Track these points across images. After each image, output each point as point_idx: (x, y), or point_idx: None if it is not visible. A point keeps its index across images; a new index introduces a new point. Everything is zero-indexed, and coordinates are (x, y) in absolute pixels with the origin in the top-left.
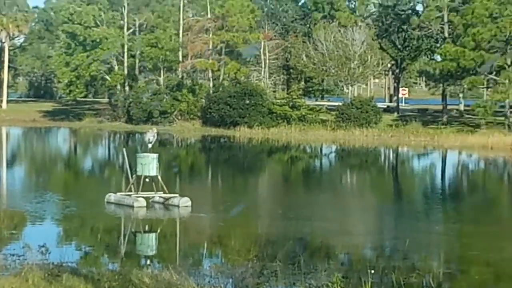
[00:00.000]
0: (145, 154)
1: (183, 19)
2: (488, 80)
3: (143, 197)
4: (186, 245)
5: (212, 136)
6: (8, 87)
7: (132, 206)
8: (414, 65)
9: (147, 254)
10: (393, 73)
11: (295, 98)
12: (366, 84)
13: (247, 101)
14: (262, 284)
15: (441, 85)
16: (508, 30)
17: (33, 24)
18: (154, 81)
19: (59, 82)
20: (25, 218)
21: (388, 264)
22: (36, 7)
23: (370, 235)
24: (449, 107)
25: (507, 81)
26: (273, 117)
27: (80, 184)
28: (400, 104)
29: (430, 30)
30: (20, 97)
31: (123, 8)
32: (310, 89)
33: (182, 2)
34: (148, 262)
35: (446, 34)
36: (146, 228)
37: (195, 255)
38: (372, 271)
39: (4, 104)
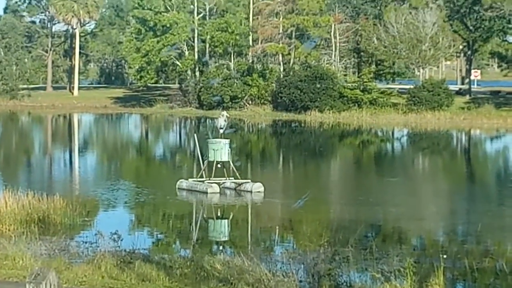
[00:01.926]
0: (216, 139)
1: (253, 3)
2: None
3: (216, 183)
4: (258, 230)
5: (283, 121)
6: (79, 73)
7: (205, 192)
8: (486, 46)
9: (219, 240)
10: (464, 55)
11: (366, 82)
12: (438, 67)
13: (318, 85)
14: (334, 269)
15: None
16: None
17: (103, 10)
18: (225, 66)
19: (129, 68)
20: (97, 205)
21: (460, 248)
22: None
23: (442, 220)
24: None
25: None
26: (344, 101)
27: (151, 170)
28: (472, 86)
29: (502, 11)
30: (91, 84)
31: None
32: (381, 72)
33: None
34: (220, 248)
35: None
36: (218, 214)
37: (266, 241)
38: (445, 256)
39: (75, 91)
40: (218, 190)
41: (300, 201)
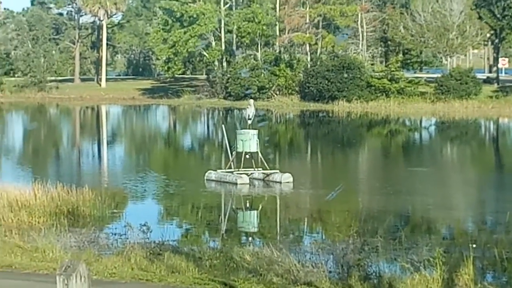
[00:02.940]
0: (245, 130)
1: None
2: None
3: (245, 173)
4: (287, 221)
5: (311, 111)
6: (107, 65)
7: (235, 183)
8: None
9: (248, 231)
10: (492, 43)
11: (393, 71)
12: (465, 55)
13: (345, 75)
14: (363, 260)
15: None
16: None
17: (130, 1)
18: (252, 56)
19: (157, 59)
20: (126, 197)
21: (490, 238)
22: None
23: (471, 209)
24: None
25: None
26: (372, 90)
27: (179, 161)
28: (500, 74)
29: None
30: (119, 75)
31: None
32: (409, 61)
33: None
34: (249, 239)
35: None
36: (247, 205)
37: (295, 232)
38: (474, 245)
39: (103, 83)
40: (248, 181)
41: (333, 193)
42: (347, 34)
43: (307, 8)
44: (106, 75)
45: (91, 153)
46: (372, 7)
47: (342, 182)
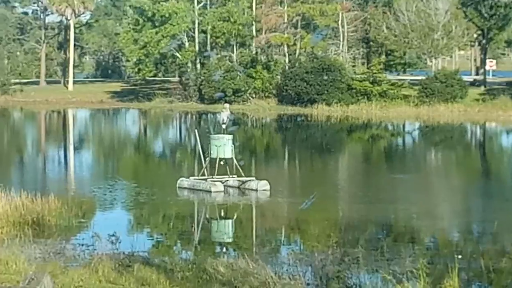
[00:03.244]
0: (219, 135)
1: None
2: None
3: (219, 181)
4: (263, 231)
5: (289, 115)
6: (74, 67)
7: (209, 191)
8: (501, 35)
9: (223, 241)
10: (479, 44)
11: (375, 73)
12: (451, 56)
13: (325, 77)
14: (343, 271)
15: None
16: None
17: None
18: (227, 57)
19: (127, 60)
20: (94, 206)
21: (476, 248)
22: None
23: (456, 218)
24: None
25: None
26: (353, 93)
27: (150, 168)
28: (487, 77)
29: None
30: (87, 78)
31: None
32: (392, 62)
33: None
34: (224, 250)
35: None
36: (222, 214)
37: (272, 242)
38: (459, 256)
39: (70, 85)
40: (222, 189)
41: (307, 201)
42: (321, 34)
43: (285, 7)
44: (74, 78)
45: (57, 160)
46: (353, 6)
47: (321, 189)
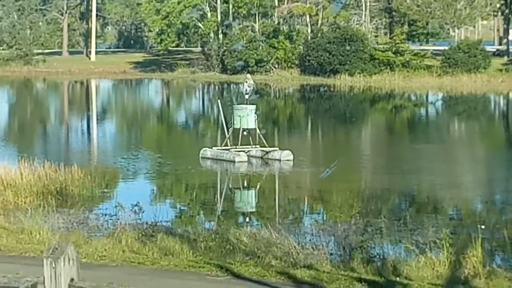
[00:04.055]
0: (242, 105)
1: None
2: None
3: (243, 151)
4: (286, 201)
5: (311, 85)
6: (97, 37)
7: (233, 161)
8: None
9: (245, 211)
10: (502, 14)
11: (398, 43)
12: (474, 26)
13: (348, 47)
14: (366, 241)
15: None
16: None
17: None
18: (249, 28)
19: (149, 31)
20: (117, 176)
21: (499, 218)
22: None
23: (479, 188)
24: None
25: None
26: (375, 63)
27: (173, 139)
28: (510, 47)
29: None
30: (109, 48)
31: None
32: (414, 33)
33: None
34: (246, 220)
35: None
36: (244, 184)
37: (295, 212)
38: (483, 227)
39: (93, 56)
40: (246, 159)
41: (328, 170)
42: (341, 2)
43: None
44: (96, 48)
45: (80, 130)
46: None
47: (343, 159)
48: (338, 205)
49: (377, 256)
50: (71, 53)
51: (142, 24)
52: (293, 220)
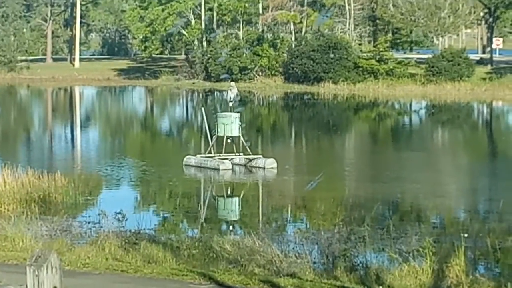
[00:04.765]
0: (226, 113)
1: None
2: None
3: (227, 158)
4: (270, 209)
5: (295, 93)
6: (81, 44)
7: (216, 169)
8: (508, 13)
9: (229, 219)
10: (486, 22)
11: (382, 51)
12: (458, 35)
13: (332, 55)
14: (350, 250)
15: None
16: None
17: None
18: (233, 35)
19: (133, 38)
20: (100, 183)
21: (482, 227)
22: None
23: (462, 197)
24: None
25: None
26: (359, 71)
27: (156, 146)
28: (494, 55)
29: None
30: (93, 55)
31: None
32: (398, 41)
33: None
34: (230, 228)
35: None
36: (228, 191)
37: (279, 220)
38: (466, 235)
39: (76, 63)
40: (230, 167)
41: (313, 183)
42: (327, 16)
43: None
44: (80, 55)
45: (64, 137)
46: None
47: (327, 168)
48: (322, 213)
49: (360, 265)
50: (55, 60)
51: (126, 31)
52: (276, 228)
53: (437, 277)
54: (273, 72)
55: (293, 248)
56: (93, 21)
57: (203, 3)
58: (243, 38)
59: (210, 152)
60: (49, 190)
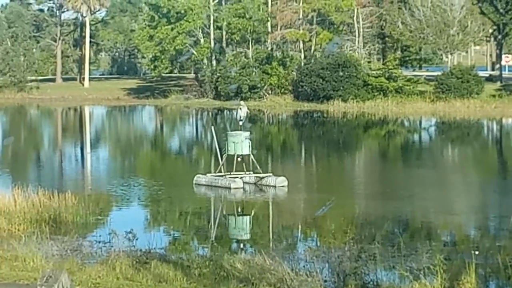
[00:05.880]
0: (236, 132)
1: None
2: None
3: (238, 177)
4: (280, 227)
5: (305, 111)
6: (90, 64)
7: (228, 188)
8: None
9: (239, 238)
10: (495, 39)
11: (391, 69)
12: (467, 52)
13: (341, 73)
14: (360, 268)
15: None
16: None
17: None
18: (242, 54)
19: (143, 57)
20: (111, 202)
21: (493, 244)
22: None
23: (473, 214)
24: None
25: None
26: (369, 89)
27: (167, 165)
28: (503, 72)
29: None
30: (103, 74)
31: None
32: (407, 58)
33: None
34: (240, 246)
35: None
36: (239, 210)
37: (289, 238)
38: (476, 252)
39: (86, 82)
40: (242, 185)
41: (324, 208)
42: (337, 44)
43: (301, 3)
44: (90, 75)
45: (74, 157)
46: (368, 2)
47: (338, 186)
48: (332, 231)
49: (371, 283)
50: (64, 79)
51: (136, 50)
52: (287, 246)
53: None
54: (282, 90)
55: (304, 266)
56: (102, 41)
57: (212, 22)
58: (252, 56)
59: (220, 171)
60: (59, 210)
